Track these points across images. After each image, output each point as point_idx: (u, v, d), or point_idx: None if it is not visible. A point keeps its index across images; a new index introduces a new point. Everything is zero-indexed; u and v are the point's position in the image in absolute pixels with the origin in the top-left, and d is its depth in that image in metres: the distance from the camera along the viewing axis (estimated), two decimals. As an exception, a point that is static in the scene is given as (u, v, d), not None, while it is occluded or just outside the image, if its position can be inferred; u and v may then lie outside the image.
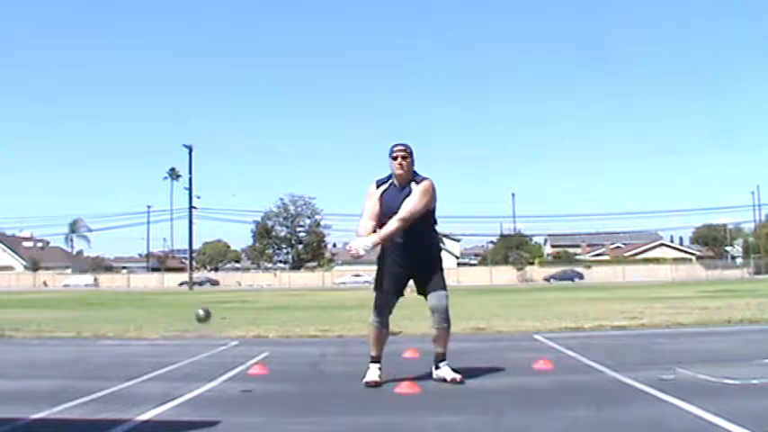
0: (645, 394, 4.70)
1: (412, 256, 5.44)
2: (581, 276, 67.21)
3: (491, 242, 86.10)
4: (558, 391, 4.98)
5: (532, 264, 72.88)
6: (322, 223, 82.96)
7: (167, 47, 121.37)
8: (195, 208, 64.61)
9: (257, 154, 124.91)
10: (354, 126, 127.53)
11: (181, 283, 68.22)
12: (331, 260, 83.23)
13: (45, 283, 70.52)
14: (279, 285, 65.17)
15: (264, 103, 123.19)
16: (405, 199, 5.33)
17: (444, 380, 5.38)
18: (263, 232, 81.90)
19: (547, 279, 66.55)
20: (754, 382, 4.92)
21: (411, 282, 5.54)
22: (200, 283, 68.69)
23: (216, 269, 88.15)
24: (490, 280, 66.16)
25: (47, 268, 76.44)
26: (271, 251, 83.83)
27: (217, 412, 4.39)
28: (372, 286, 5.71)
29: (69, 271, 77.52)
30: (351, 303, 22.07)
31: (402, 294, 5.59)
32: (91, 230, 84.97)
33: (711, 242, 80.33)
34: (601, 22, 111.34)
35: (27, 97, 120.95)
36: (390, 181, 5.50)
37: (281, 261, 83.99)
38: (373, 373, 5.43)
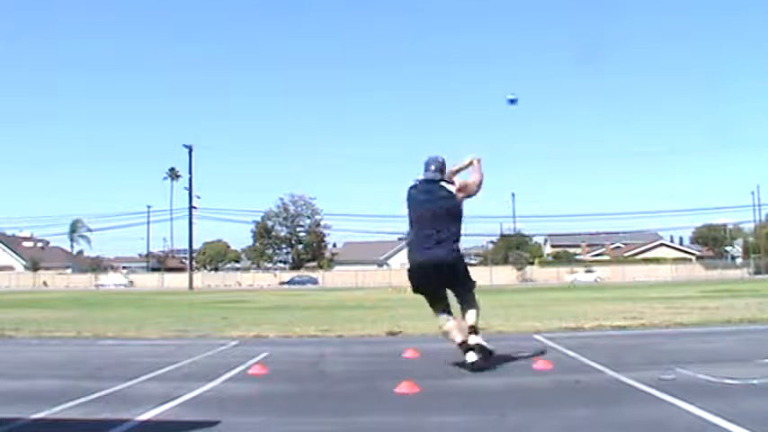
0: (645, 394, 4.70)
1: None
2: (315, 281, 67.55)
3: (491, 242, 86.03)
4: (558, 391, 4.98)
5: (532, 264, 72.85)
6: (322, 223, 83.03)
7: (167, 47, 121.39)
8: (195, 208, 64.63)
9: (257, 154, 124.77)
10: (354, 126, 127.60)
11: None
12: (331, 260, 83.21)
13: (45, 283, 70.51)
14: (279, 285, 65.17)
15: (264, 103, 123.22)
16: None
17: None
18: (263, 232, 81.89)
19: (282, 283, 66.52)
20: (754, 382, 4.92)
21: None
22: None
23: (216, 269, 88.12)
24: (490, 280, 65.99)
25: (47, 268, 76.43)
26: (271, 251, 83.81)
27: (217, 412, 4.39)
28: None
29: (69, 271, 77.50)
30: (351, 303, 22.09)
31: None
32: (91, 230, 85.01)
33: (711, 242, 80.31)
34: (600, 22, 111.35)
35: (27, 97, 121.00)
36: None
37: (281, 261, 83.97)
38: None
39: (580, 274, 65.19)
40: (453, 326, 6.11)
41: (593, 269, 67.68)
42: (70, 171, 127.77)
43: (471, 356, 5.86)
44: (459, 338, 6.02)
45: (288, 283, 66.83)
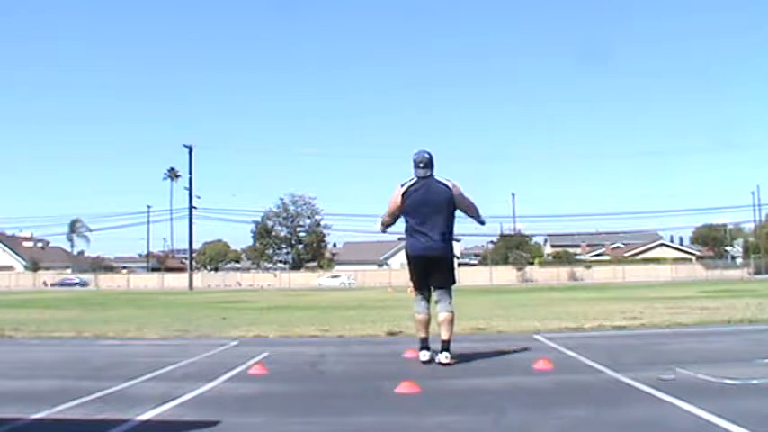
0: (645, 394, 4.70)
1: None
2: (84, 284, 66.74)
3: (491, 242, 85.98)
4: (558, 391, 4.98)
5: (532, 264, 72.82)
6: (322, 223, 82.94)
7: (167, 47, 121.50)
8: (195, 208, 64.68)
9: (257, 154, 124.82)
10: (354, 126, 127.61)
11: None
12: (331, 260, 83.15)
13: (45, 283, 70.47)
14: (279, 285, 65.17)
15: (265, 103, 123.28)
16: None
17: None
18: (263, 232, 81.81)
19: (53, 284, 65.14)
20: (754, 382, 4.92)
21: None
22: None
23: (216, 269, 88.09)
24: (490, 280, 66.08)
25: (47, 268, 76.40)
26: (271, 251, 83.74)
27: (217, 412, 4.39)
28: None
29: (69, 271, 77.48)
30: (351, 303, 22.08)
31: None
32: (91, 230, 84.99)
33: (711, 242, 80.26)
34: (600, 23, 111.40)
35: (27, 97, 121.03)
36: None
37: (281, 261, 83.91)
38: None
39: (323, 279, 67.62)
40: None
41: (339, 274, 69.06)
42: (70, 171, 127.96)
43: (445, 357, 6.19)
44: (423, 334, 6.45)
45: (58, 284, 66.09)
